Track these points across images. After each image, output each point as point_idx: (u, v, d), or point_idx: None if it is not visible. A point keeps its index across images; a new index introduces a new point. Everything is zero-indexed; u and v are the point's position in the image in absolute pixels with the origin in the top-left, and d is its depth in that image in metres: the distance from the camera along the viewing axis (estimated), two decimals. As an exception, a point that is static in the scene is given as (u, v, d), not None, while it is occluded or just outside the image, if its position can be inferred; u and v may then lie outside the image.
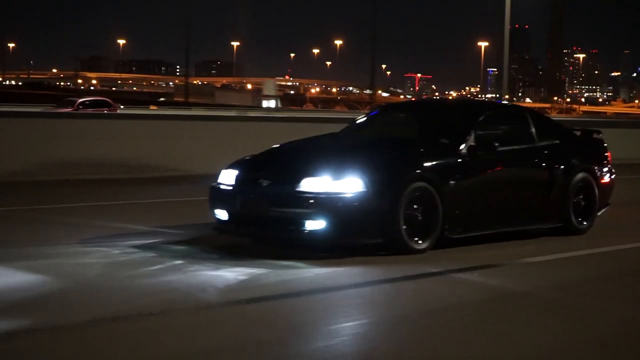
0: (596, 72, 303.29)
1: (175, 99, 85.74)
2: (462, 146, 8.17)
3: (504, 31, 35.86)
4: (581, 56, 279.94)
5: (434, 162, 7.88)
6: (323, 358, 4.57)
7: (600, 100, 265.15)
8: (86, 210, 10.23)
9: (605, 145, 9.95)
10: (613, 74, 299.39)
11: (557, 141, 9.28)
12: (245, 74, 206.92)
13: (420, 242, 7.59)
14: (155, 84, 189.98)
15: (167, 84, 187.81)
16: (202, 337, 4.90)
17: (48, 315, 5.29)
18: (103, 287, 6.13)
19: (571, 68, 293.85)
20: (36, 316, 5.26)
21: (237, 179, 7.85)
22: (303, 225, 7.32)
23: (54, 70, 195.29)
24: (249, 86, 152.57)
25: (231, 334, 4.99)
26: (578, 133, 9.96)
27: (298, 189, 7.40)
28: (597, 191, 9.38)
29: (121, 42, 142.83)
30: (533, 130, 9.10)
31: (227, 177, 7.96)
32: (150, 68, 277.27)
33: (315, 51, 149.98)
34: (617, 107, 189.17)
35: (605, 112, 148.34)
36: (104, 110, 34.33)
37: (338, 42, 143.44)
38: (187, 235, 8.34)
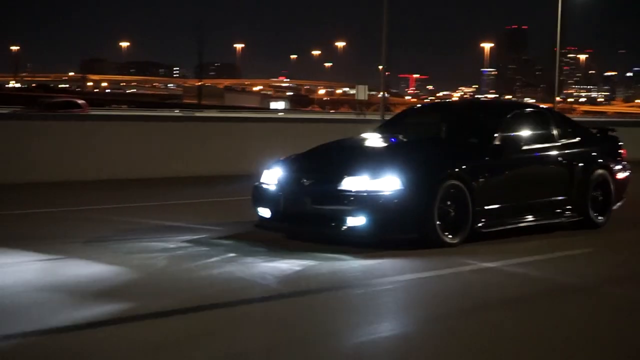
0: (591, 72, 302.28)
1: (185, 100, 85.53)
2: (490, 145, 8.69)
3: (557, 37, 35.96)
4: (582, 57, 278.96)
5: (465, 161, 8.35)
6: (384, 345, 4.94)
7: (600, 100, 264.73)
8: (133, 210, 10.66)
9: (620, 142, 10.44)
10: (607, 73, 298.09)
11: (576, 140, 9.79)
12: (244, 75, 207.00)
13: (452, 236, 8.07)
14: (158, 86, 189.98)
15: (166, 85, 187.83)
16: (272, 323, 5.33)
17: (131, 304, 5.67)
18: (172, 278, 6.56)
19: (566, 68, 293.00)
20: (121, 304, 5.63)
21: (280, 178, 8.34)
22: (344, 221, 7.80)
23: (71, 74, 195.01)
24: (257, 88, 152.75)
25: (297, 323, 5.36)
26: (595, 131, 10.47)
27: (339, 188, 7.88)
28: (613, 187, 9.88)
29: (123, 44, 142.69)
30: (554, 129, 9.61)
31: (270, 177, 8.47)
32: (149, 70, 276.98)
33: (316, 52, 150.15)
34: (618, 107, 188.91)
35: (606, 112, 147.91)
36: (73, 111, 33.98)
37: (339, 44, 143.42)
38: (230, 232, 8.78)
